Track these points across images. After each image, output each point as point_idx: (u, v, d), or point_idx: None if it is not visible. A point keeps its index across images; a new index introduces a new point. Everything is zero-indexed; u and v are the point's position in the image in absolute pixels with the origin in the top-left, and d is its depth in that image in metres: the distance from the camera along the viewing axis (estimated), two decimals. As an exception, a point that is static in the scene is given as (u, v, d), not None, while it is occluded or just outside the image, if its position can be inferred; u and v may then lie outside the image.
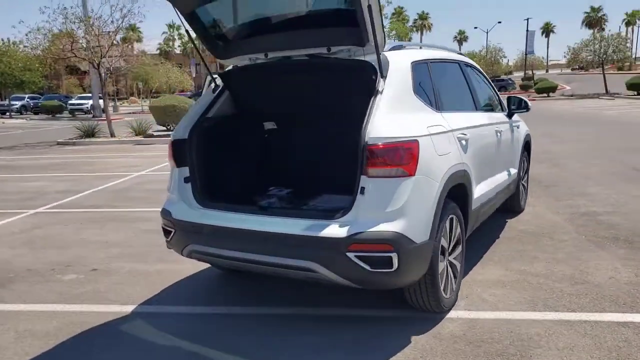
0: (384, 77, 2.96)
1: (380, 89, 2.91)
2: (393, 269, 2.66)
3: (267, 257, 2.88)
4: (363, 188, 2.72)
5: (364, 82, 3.02)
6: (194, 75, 51.57)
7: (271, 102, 4.00)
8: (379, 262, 2.66)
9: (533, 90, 40.90)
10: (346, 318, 3.28)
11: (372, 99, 2.88)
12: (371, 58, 2.98)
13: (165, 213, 3.32)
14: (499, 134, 4.51)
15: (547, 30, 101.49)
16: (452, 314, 3.24)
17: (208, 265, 3.98)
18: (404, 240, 2.69)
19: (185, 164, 3.33)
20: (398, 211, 2.72)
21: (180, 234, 3.24)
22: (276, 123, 4.30)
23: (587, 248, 4.48)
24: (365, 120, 2.77)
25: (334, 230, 2.71)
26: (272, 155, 4.33)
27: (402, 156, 2.75)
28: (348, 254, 2.65)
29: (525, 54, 58.83)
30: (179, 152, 3.36)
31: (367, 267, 2.65)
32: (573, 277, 3.81)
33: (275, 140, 4.33)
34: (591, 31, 73.83)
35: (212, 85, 3.75)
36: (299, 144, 4.31)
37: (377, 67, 2.93)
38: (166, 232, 3.36)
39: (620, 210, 5.72)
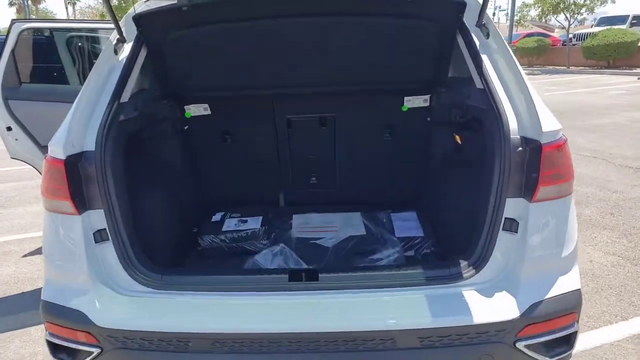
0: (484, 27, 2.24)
1: (494, 47, 2.17)
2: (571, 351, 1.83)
3: None
4: (514, 221, 1.91)
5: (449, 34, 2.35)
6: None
7: (256, 75, 2.82)
8: (557, 345, 1.84)
9: None
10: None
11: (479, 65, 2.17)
12: None
13: (71, 317, 1.95)
14: None
15: None
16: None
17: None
18: (581, 300, 1.92)
19: (96, 204, 2.04)
20: (574, 253, 1.91)
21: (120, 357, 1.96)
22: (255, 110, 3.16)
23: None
24: (496, 100, 2.01)
25: (487, 306, 1.82)
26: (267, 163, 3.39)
27: (569, 161, 1.94)
28: (518, 343, 1.83)
29: None
30: (79, 182, 2.00)
31: (543, 357, 1.87)
32: None
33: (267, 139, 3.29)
34: None
35: (115, 40, 2.39)
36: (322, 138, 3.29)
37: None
38: (68, 354, 2.01)
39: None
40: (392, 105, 3.12)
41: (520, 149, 1.90)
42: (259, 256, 2.55)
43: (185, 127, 3.16)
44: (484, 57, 2.27)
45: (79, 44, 4.87)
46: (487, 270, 1.95)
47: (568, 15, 22.53)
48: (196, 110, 3.12)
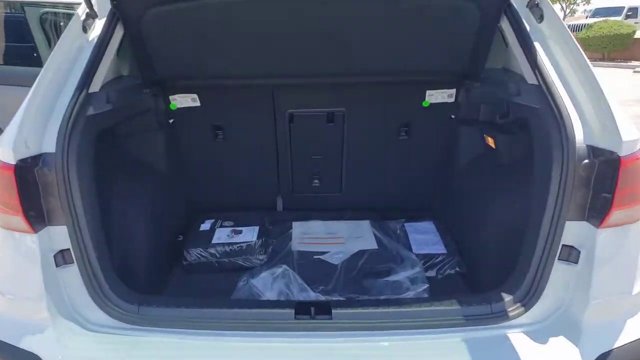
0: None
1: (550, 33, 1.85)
2: None
3: None
4: (573, 249, 1.64)
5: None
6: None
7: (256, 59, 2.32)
8: None
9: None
10: None
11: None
12: None
13: None
14: None
15: None
16: None
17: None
18: None
19: (57, 219, 1.69)
20: None
21: None
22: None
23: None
24: (557, 99, 1.70)
25: (540, 355, 1.53)
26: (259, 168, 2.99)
27: None
28: None
29: None
30: (34, 192, 1.66)
31: None
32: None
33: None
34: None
35: (84, 15, 1.98)
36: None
37: None
38: None
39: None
40: (410, 100, 2.70)
41: (587, 161, 1.58)
42: (257, 280, 2.13)
43: (171, 121, 2.71)
44: (537, 46, 1.87)
45: (56, 21, 4.37)
46: (538, 308, 1.66)
47: (564, 5, 22.27)
48: (183, 101, 2.66)
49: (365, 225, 2.93)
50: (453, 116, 2.74)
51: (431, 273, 2.50)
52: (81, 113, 1.79)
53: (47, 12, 4.26)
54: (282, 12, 2.09)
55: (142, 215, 2.34)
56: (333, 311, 1.71)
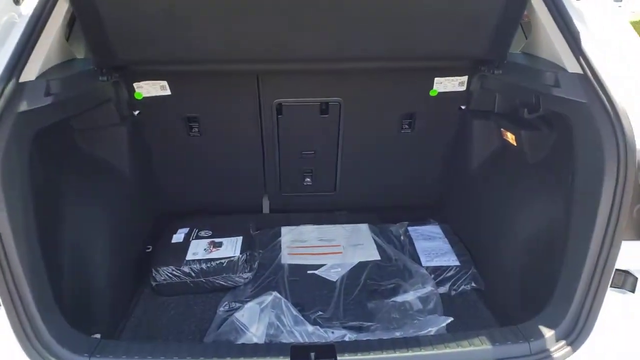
0: None
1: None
2: None
3: None
4: (630, 276, 1.43)
5: None
6: None
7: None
8: None
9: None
10: None
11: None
12: None
13: None
14: None
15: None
16: None
17: None
18: None
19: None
20: None
21: None
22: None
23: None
24: (609, 93, 1.41)
25: None
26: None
27: None
28: None
29: None
30: None
31: None
32: None
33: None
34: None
35: None
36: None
37: None
38: None
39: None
40: (415, 88, 2.31)
41: None
42: (242, 313, 1.74)
43: (136, 113, 2.27)
44: (580, 27, 1.53)
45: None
46: (588, 347, 1.39)
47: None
48: (151, 89, 2.20)
49: (364, 229, 2.56)
50: (463, 107, 2.37)
51: (443, 289, 2.16)
52: (7, 109, 1.38)
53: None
54: None
55: (101, 226, 1.93)
56: (339, 358, 1.38)
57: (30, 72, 1.53)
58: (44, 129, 1.53)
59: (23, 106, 1.43)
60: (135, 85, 2.19)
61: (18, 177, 1.40)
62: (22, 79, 1.47)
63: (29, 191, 1.44)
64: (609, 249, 1.38)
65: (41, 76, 1.57)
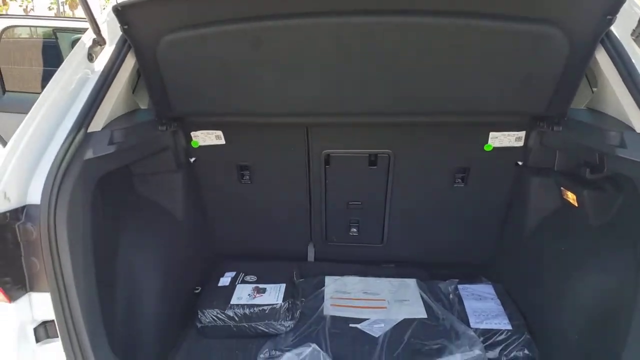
0: None
1: None
2: None
3: None
4: None
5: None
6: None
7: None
8: None
9: None
10: None
11: None
12: None
13: None
14: None
15: None
16: None
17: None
18: None
19: (40, 284, 1.44)
20: None
21: None
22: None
23: None
24: None
25: None
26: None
27: None
28: None
29: None
30: (14, 252, 1.40)
31: None
32: None
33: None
34: None
35: (90, 42, 1.80)
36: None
37: None
38: None
39: None
40: (470, 142, 2.27)
41: None
42: (280, 363, 1.73)
43: (192, 160, 2.39)
44: None
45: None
46: None
47: None
48: (206, 138, 2.33)
49: (411, 285, 2.48)
50: (520, 163, 2.30)
51: (493, 354, 2.03)
52: (77, 157, 1.52)
53: (78, 39, 4.12)
54: (322, 40, 1.73)
55: (155, 268, 2.01)
56: None
57: (98, 123, 1.69)
58: (106, 174, 1.66)
59: (89, 154, 1.57)
60: (192, 134, 2.33)
61: (82, 221, 1.51)
62: (90, 129, 1.63)
63: (89, 233, 1.54)
64: None
65: (107, 126, 1.73)
